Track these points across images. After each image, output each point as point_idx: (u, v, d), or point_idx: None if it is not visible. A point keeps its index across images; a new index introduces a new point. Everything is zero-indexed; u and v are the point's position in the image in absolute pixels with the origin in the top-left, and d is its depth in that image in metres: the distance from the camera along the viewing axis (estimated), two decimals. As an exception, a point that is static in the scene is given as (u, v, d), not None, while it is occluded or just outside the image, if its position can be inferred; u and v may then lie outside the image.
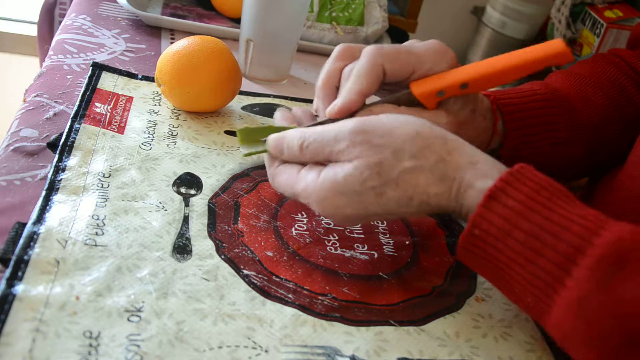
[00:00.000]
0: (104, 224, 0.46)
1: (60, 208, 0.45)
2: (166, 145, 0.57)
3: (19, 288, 0.38)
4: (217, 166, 0.56)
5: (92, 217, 0.46)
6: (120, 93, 0.62)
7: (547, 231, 0.37)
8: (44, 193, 0.46)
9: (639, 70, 0.61)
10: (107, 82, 0.63)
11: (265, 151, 0.48)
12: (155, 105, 0.62)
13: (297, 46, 0.75)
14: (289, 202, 0.54)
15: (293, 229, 0.51)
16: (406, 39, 1.07)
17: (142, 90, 0.64)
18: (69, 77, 0.63)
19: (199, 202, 0.51)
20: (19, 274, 0.39)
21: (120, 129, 0.57)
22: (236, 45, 0.75)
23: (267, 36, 0.70)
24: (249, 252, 0.47)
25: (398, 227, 0.54)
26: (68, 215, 0.45)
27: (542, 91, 0.57)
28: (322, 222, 0.52)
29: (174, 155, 0.56)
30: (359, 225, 0.53)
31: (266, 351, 0.40)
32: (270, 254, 0.48)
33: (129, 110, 0.60)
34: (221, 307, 0.42)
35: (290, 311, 0.43)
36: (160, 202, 0.49)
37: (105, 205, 0.47)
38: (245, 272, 0.45)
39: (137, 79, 0.66)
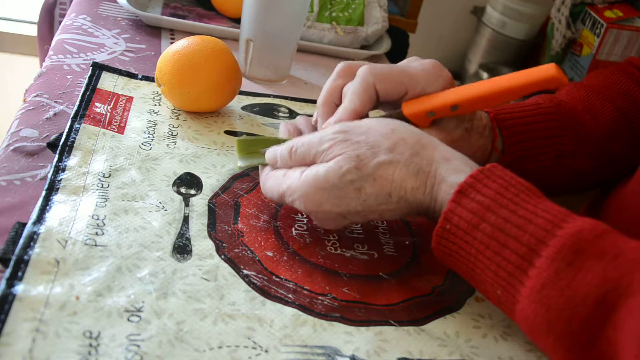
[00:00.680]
0: (104, 224, 0.46)
1: (60, 208, 0.45)
2: (166, 145, 0.57)
3: (19, 288, 0.38)
4: (217, 166, 0.56)
5: (92, 217, 0.46)
6: (120, 93, 0.62)
7: (513, 224, 0.39)
8: (44, 193, 0.46)
9: None
10: (107, 82, 0.63)
11: (260, 164, 0.50)
12: (155, 105, 0.62)
13: (297, 46, 0.75)
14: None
15: (293, 229, 0.51)
16: (406, 39, 1.07)
17: (142, 90, 0.64)
18: (69, 77, 0.63)
19: (199, 202, 0.51)
20: (19, 274, 0.39)
21: (120, 129, 0.57)
22: (236, 45, 0.75)
23: (267, 36, 0.70)
24: (249, 252, 0.47)
25: (398, 227, 0.54)
26: (68, 215, 0.45)
27: (546, 105, 0.57)
28: (322, 222, 0.52)
29: (174, 155, 0.56)
30: (359, 225, 0.53)
31: (266, 351, 0.40)
32: (270, 254, 0.48)
33: (129, 110, 0.60)
34: (221, 307, 0.42)
35: (290, 311, 0.43)
36: (160, 202, 0.49)
37: (105, 205, 0.47)
38: (245, 272, 0.45)
39: (137, 79, 0.66)
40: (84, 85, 0.61)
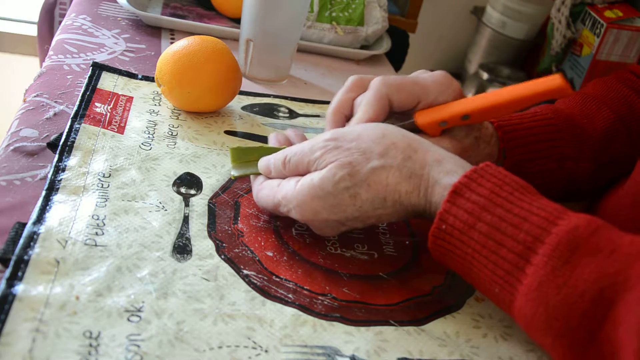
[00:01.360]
0: (104, 224, 0.46)
1: (60, 208, 0.45)
2: (166, 145, 0.57)
3: (19, 288, 0.38)
4: (217, 166, 0.56)
5: (92, 217, 0.46)
6: (120, 93, 0.62)
7: (509, 223, 0.39)
8: (44, 193, 0.46)
9: None
10: (107, 82, 0.63)
11: (254, 173, 0.50)
12: (155, 105, 0.62)
13: (297, 46, 0.75)
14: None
15: (293, 229, 0.51)
16: (406, 39, 1.07)
17: (142, 90, 0.64)
18: (69, 77, 0.63)
19: (199, 202, 0.51)
20: (19, 274, 0.39)
21: (120, 129, 0.57)
22: (236, 45, 0.75)
23: (267, 36, 0.70)
24: (249, 252, 0.47)
25: (398, 227, 0.54)
26: (68, 215, 0.45)
27: (544, 112, 0.58)
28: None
29: (174, 155, 0.56)
30: (359, 225, 0.53)
31: (266, 351, 0.40)
32: (270, 254, 0.48)
33: (129, 110, 0.60)
34: (221, 307, 0.42)
35: (290, 311, 0.43)
36: (160, 202, 0.49)
37: (105, 205, 0.47)
38: (245, 272, 0.45)
39: (137, 79, 0.66)
40: (84, 85, 0.61)
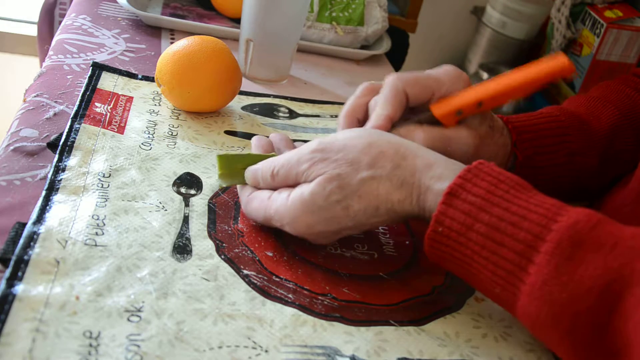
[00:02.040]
0: (104, 224, 0.46)
1: (60, 208, 0.45)
2: (166, 145, 0.57)
3: (19, 288, 0.38)
4: (217, 167, 0.56)
5: (92, 217, 0.46)
6: (120, 93, 0.62)
7: (508, 222, 0.39)
8: (44, 193, 0.46)
9: None
10: (107, 82, 0.63)
11: (242, 183, 0.50)
12: (155, 105, 0.62)
13: (297, 46, 0.75)
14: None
15: (293, 229, 0.51)
16: (406, 39, 1.07)
17: (142, 90, 0.64)
18: (69, 77, 0.63)
19: (199, 202, 0.51)
20: (19, 274, 0.39)
21: (120, 129, 0.57)
22: (236, 45, 0.75)
23: (267, 36, 0.70)
24: (249, 252, 0.47)
25: (398, 227, 0.54)
26: (68, 215, 0.45)
27: (551, 111, 0.59)
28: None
29: (174, 155, 0.56)
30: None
31: (266, 351, 0.40)
32: (270, 254, 0.48)
33: (129, 110, 0.60)
34: (221, 307, 0.42)
35: (290, 311, 0.43)
36: (160, 202, 0.49)
37: (105, 205, 0.47)
38: (245, 272, 0.45)
39: (137, 79, 0.66)
40: (84, 85, 0.61)
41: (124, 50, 0.72)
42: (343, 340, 0.42)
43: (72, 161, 0.50)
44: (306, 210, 0.44)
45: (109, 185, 0.49)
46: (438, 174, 0.43)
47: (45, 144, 0.53)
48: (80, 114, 0.56)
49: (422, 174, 0.43)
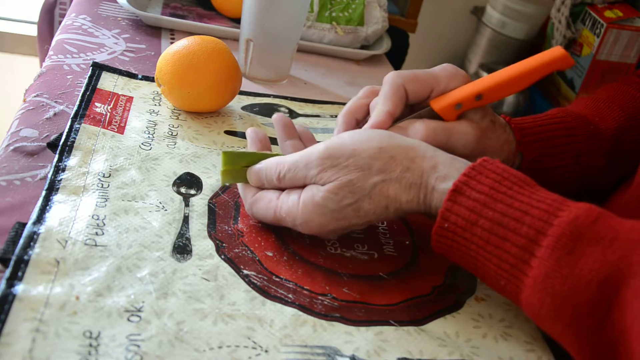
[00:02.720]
0: (104, 224, 0.46)
1: (60, 208, 0.45)
2: (166, 145, 0.57)
3: (19, 288, 0.38)
4: (217, 166, 0.56)
5: (92, 217, 0.46)
6: (120, 93, 0.62)
7: (511, 217, 0.40)
8: (44, 193, 0.46)
9: None
10: (107, 82, 0.63)
11: (245, 182, 0.50)
12: (155, 105, 0.62)
13: (297, 46, 0.75)
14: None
15: (293, 229, 0.51)
16: (406, 39, 1.07)
17: (142, 90, 0.64)
18: (69, 77, 0.63)
19: (199, 202, 0.51)
20: (19, 274, 0.39)
21: (120, 129, 0.57)
22: (236, 45, 0.75)
23: (267, 36, 0.70)
24: (249, 252, 0.47)
25: (398, 227, 0.54)
26: (68, 215, 0.45)
27: (554, 112, 0.60)
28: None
29: (174, 155, 0.56)
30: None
31: (266, 351, 0.40)
32: (270, 254, 0.48)
33: (129, 110, 0.60)
34: (221, 307, 0.42)
35: (290, 311, 0.43)
36: (160, 202, 0.49)
37: (105, 205, 0.47)
38: (245, 272, 0.45)
39: (137, 79, 0.66)
40: (84, 85, 0.61)
41: (124, 50, 0.72)
42: (343, 340, 0.42)
43: (72, 161, 0.50)
44: (319, 213, 0.45)
45: (109, 185, 0.49)
46: (443, 174, 0.44)
47: (45, 144, 0.53)
48: (80, 114, 0.56)
49: (429, 175, 0.44)
